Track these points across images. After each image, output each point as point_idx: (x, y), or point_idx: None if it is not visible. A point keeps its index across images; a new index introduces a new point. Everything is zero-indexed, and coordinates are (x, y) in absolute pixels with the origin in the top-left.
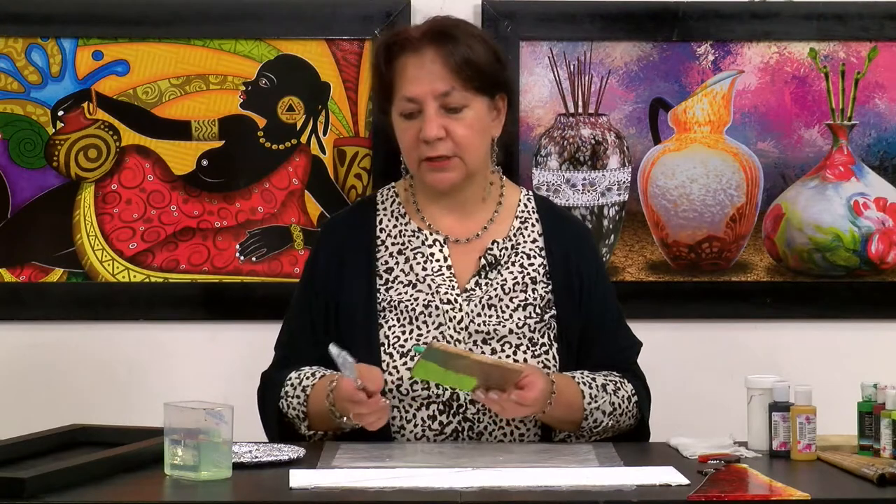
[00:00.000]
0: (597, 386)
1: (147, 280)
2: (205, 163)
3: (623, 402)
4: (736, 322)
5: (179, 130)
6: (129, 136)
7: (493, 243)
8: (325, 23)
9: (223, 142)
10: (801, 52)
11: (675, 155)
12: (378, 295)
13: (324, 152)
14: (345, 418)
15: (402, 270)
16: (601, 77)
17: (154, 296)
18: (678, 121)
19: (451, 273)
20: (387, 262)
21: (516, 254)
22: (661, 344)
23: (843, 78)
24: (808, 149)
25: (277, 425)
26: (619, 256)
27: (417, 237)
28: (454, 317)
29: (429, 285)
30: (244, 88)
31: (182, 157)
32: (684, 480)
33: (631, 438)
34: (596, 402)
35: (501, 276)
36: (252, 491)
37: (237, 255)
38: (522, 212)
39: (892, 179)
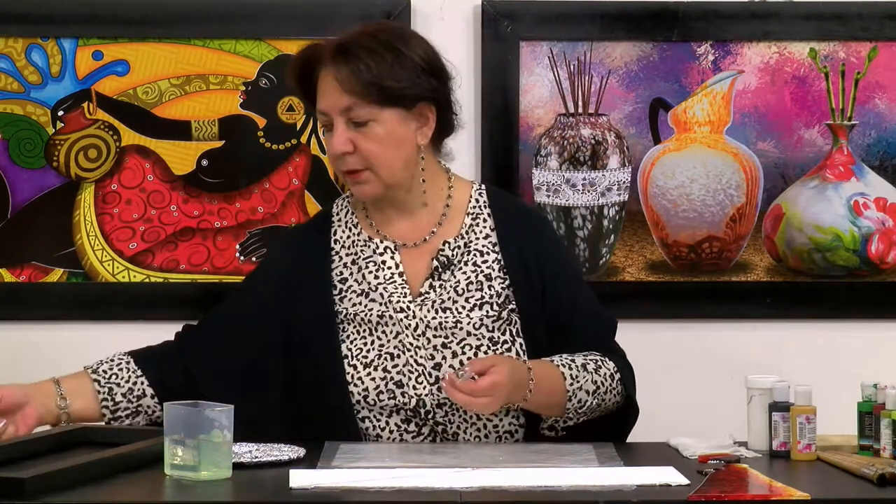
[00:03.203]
0: (577, 366)
1: (147, 280)
2: (205, 163)
3: (606, 380)
4: (736, 322)
5: (179, 130)
6: (129, 136)
7: (444, 244)
8: (325, 23)
9: (223, 142)
10: (801, 52)
11: (675, 155)
12: (335, 307)
13: (324, 152)
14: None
15: (356, 280)
16: (601, 77)
17: (154, 296)
18: (678, 121)
19: (402, 280)
20: (341, 273)
21: (469, 252)
22: (661, 344)
23: (843, 78)
24: (808, 149)
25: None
26: (619, 256)
27: (368, 246)
28: (409, 324)
29: (381, 294)
30: (244, 88)
31: (182, 157)
32: (684, 480)
33: (620, 417)
34: (578, 381)
35: (455, 276)
36: (252, 491)
37: (237, 255)
38: (474, 208)
39: (892, 179)
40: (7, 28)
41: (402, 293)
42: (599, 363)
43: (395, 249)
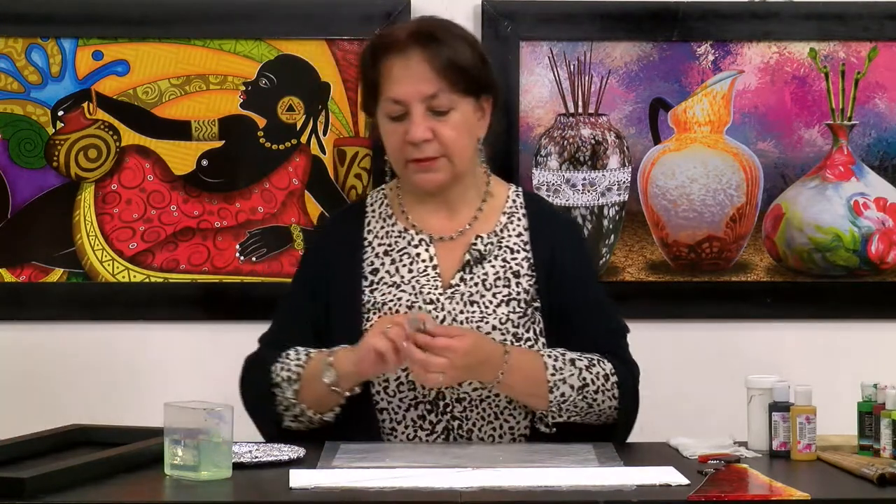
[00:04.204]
0: (564, 360)
1: (147, 280)
2: (205, 163)
3: (598, 380)
4: (736, 322)
5: (179, 130)
6: (129, 136)
7: (476, 238)
8: (325, 23)
9: (223, 142)
10: (801, 52)
11: (675, 155)
12: (363, 296)
13: (324, 152)
14: (336, 380)
15: (388, 272)
16: (601, 77)
17: (154, 296)
18: (678, 121)
19: (435, 272)
20: (373, 264)
21: (500, 248)
22: (661, 344)
23: (843, 78)
24: (808, 149)
25: (263, 399)
26: (619, 256)
27: (403, 238)
28: (437, 317)
29: (412, 286)
30: (244, 88)
31: (182, 157)
32: (684, 480)
33: (611, 432)
34: (561, 374)
35: (484, 269)
36: (252, 491)
37: (237, 255)
38: (510, 208)
39: (892, 179)
40: (7, 28)
41: (433, 285)
42: (594, 362)
43: (430, 242)
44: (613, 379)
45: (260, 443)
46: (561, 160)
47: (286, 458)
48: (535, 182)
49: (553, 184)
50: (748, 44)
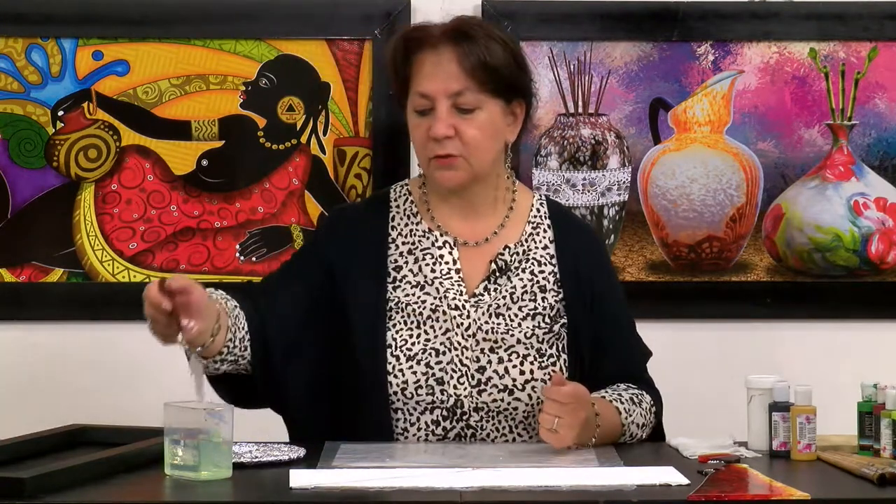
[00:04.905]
0: (627, 400)
1: (147, 280)
2: (205, 163)
3: (649, 413)
4: (736, 322)
5: (179, 130)
6: (129, 136)
7: (504, 248)
8: (325, 23)
9: (223, 142)
10: (801, 52)
11: (675, 155)
12: (386, 294)
13: (324, 152)
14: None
15: (411, 270)
16: (601, 77)
17: None
18: (678, 121)
19: (459, 277)
20: (396, 261)
21: (527, 260)
22: (661, 344)
23: (843, 78)
24: (808, 149)
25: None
26: (619, 256)
27: (427, 238)
28: (462, 323)
29: (437, 288)
30: (244, 88)
31: (182, 157)
32: (684, 480)
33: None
34: (631, 415)
35: (511, 282)
36: (252, 491)
37: (237, 255)
38: (535, 217)
39: (892, 179)
40: (7, 28)
41: (457, 290)
42: (640, 397)
43: (454, 245)
44: (653, 410)
45: (260, 443)
46: (561, 160)
47: (286, 458)
48: (535, 182)
49: (553, 184)
50: (748, 44)
